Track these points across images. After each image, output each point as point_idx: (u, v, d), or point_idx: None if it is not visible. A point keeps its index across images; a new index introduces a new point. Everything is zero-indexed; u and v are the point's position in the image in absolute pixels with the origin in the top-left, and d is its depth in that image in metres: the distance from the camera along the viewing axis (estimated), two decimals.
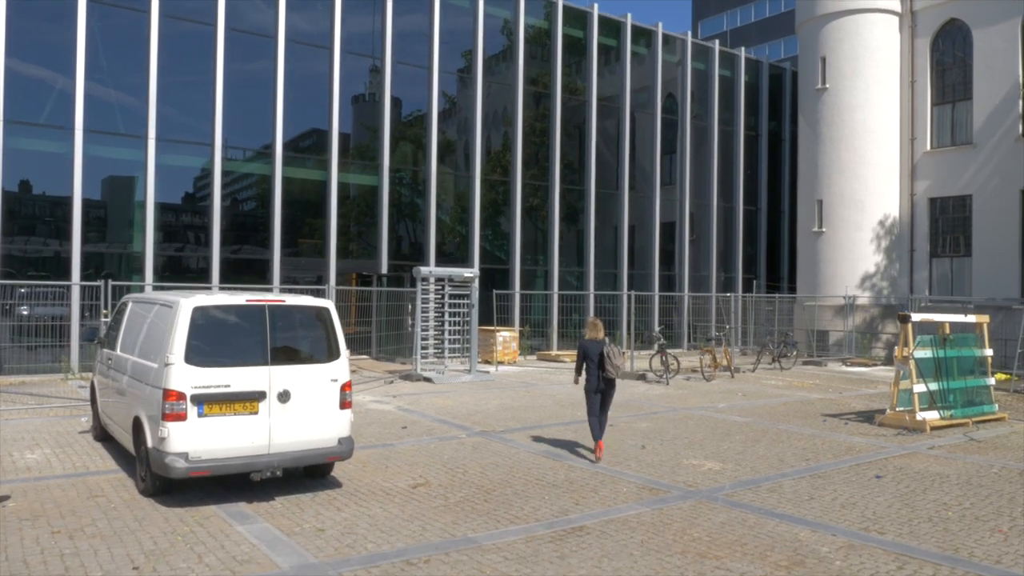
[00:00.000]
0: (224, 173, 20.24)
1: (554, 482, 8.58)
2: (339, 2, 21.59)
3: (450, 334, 18.47)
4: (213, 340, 7.62)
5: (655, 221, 27.77)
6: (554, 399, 14.95)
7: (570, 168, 26.34)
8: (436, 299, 18.03)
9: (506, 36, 25.37)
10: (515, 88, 24.86)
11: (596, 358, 9.83)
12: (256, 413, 7.51)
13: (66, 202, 18.21)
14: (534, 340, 24.61)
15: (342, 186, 22.08)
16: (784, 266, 31.77)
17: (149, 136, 19.00)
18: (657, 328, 21.87)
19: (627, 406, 14.16)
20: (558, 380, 17.94)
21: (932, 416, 12.32)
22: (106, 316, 14.24)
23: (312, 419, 7.78)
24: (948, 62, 26.09)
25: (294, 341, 8.15)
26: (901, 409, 12.62)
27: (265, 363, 7.61)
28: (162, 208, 19.67)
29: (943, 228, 26.18)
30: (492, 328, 21.38)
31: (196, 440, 7.25)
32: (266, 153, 20.94)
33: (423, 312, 17.79)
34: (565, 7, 25.94)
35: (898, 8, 26.56)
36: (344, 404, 8.01)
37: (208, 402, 7.31)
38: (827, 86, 26.67)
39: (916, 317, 12.91)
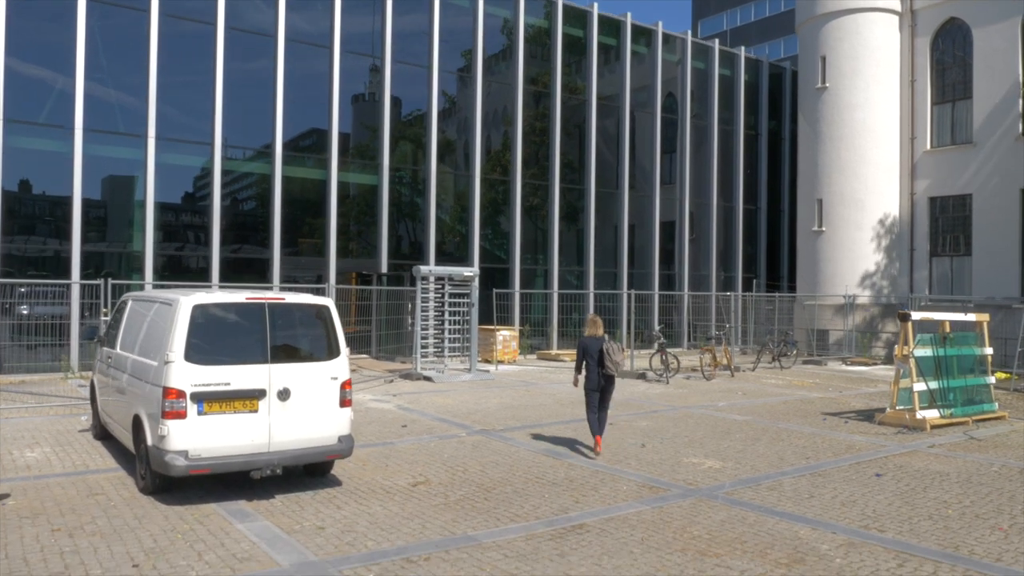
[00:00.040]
0: (224, 172, 20.24)
1: (554, 480, 8.58)
2: (339, 1, 21.58)
3: (450, 333, 18.46)
4: (213, 338, 7.61)
5: (655, 220, 27.76)
6: (554, 398, 14.95)
7: (570, 167, 26.34)
8: (436, 298, 18.03)
9: (506, 35, 25.36)
10: (515, 87, 24.86)
11: (596, 355, 9.90)
12: (256, 411, 7.50)
13: (66, 201, 18.21)
14: (534, 339, 24.62)
15: (342, 185, 22.08)
16: (784, 265, 31.77)
17: (149, 135, 19.00)
18: (657, 327, 21.87)
19: (627, 405, 14.16)
20: (558, 379, 17.94)
21: (932, 414, 12.32)
22: (106, 314, 14.24)
23: (312, 417, 7.77)
24: (948, 61, 26.09)
25: (294, 339, 8.14)
26: (901, 408, 12.62)
27: (265, 361, 7.61)
28: (162, 207, 19.67)
29: (943, 227, 26.18)
30: (492, 327, 21.38)
31: (196, 438, 7.25)
32: (266, 152, 20.94)
33: (423, 311, 17.79)
34: (565, 6, 25.93)
35: (898, 7, 26.55)
36: (344, 402, 8.00)
37: (208, 400, 7.31)
38: (827, 85, 26.67)
39: (916, 316, 12.91)
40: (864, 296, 26.00)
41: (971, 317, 13.78)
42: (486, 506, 7.52)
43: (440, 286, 18.13)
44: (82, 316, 17.38)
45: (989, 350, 13.79)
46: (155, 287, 17.73)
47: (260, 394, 7.52)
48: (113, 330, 9.66)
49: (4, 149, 17.44)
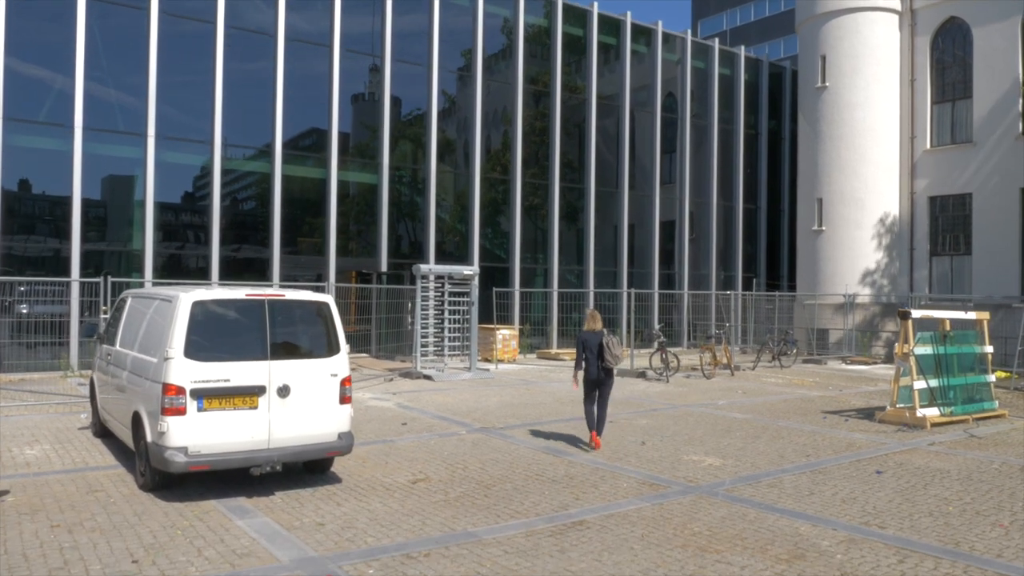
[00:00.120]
0: (224, 172, 20.23)
1: (554, 477, 8.57)
2: (339, 1, 21.58)
3: (450, 332, 18.46)
4: (213, 335, 7.61)
5: (655, 220, 27.76)
6: (554, 396, 14.95)
7: (570, 167, 26.33)
8: (436, 297, 18.03)
9: (506, 35, 25.36)
10: (515, 87, 24.86)
11: (595, 348, 10.02)
12: (256, 408, 7.49)
13: (66, 200, 18.20)
14: (534, 338, 24.61)
15: (342, 185, 22.07)
16: (784, 264, 31.76)
17: (149, 134, 18.99)
18: (657, 326, 21.86)
19: (627, 403, 14.16)
20: (558, 378, 17.93)
21: (932, 413, 12.31)
22: (105, 312, 14.23)
23: (312, 414, 7.77)
24: (948, 60, 26.09)
25: (294, 336, 8.13)
26: (901, 406, 12.62)
27: (265, 358, 7.61)
28: (162, 207, 19.66)
29: (943, 226, 26.18)
30: (492, 326, 21.38)
31: (195, 434, 7.24)
32: (266, 152, 20.93)
33: (423, 310, 17.78)
34: (565, 6, 25.93)
35: (898, 6, 26.55)
36: (344, 399, 8.00)
37: (208, 396, 7.30)
38: (827, 84, 26.67)
39: (916, 314, 12.90)
40: (864, 295, 26.00)
41: (971, 315, 13.78)
42: (486, 503, 7.52)
43: (440, 285, 18.13)
44: (82, 314, 17.37)
45: (989, 348, 13.78)
46: (155, 286, 17.71)
47: (260, 391, 7.51)
48: (113, 327, 9.65)
49: (4, 148, 17.43)
